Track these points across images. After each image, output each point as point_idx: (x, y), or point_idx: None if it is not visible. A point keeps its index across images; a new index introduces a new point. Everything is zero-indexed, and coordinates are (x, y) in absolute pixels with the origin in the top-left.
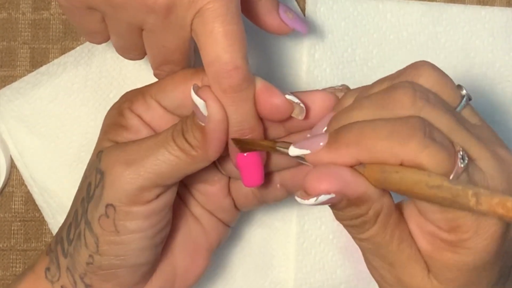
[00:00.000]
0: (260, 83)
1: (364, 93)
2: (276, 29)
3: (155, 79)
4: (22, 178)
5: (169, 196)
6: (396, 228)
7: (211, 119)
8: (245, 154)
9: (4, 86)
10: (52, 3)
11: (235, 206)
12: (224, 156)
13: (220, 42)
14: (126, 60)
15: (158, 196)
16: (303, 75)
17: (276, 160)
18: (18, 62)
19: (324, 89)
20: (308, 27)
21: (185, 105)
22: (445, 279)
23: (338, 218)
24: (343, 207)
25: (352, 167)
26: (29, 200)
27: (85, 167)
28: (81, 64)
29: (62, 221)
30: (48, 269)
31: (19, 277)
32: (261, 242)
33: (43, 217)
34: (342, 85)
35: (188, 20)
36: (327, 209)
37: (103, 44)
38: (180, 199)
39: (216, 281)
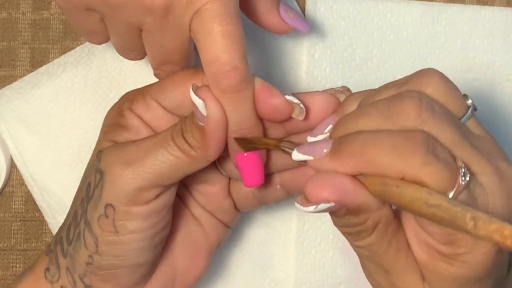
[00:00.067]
0: (259, 84)
1: (370, 99)
2: (277, 28)
3: (155, 79)
4: (22, 178)
5: (168, 197)
6: (393, 237)
7: (210, 119)
8: (245, 154)
9: (4, 86)
10: (52, 3)
11: (235, 207)
12: (224, 156)
13: (218, 42)
14: (126, 60)
15: (157, 196)
16: (303, 74)
17: (276, 161)
18: (18, 62)
19: (324, 90)
20: (309, 26)
21: (185, 105)
22: None
23: (336, 224)
24: (342, 215)
25: (353, 175)
26: (29, 200)
27: (85, 167)
28: (81, 64)
29: (62, 221)
30: (47, 269)
31: (18, 277)
32: (261, 241)
33: (43, 217)
34: (343, 86)
35: (186, 20)
36: None
37: (103, 44)
38: (180, 200)
39: (216, 281)
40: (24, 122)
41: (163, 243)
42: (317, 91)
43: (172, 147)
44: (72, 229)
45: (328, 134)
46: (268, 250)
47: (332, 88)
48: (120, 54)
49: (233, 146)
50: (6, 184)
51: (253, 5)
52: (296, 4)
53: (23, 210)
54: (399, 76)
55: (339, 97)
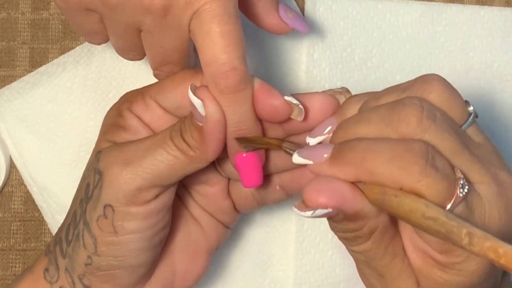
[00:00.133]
0: (258, 84)
1: (371, 103)
2: (276, 28)
3: (155, 79)
4: (21, 178)
5: (167, 197)
6: (390, 244)
7: (209, 119)
8: (244, 155)
9: (4, 86)
10: (52, 3)
11: (235, 208)
12: (223, 157)
13: (217, 43)
14: (126, 60)
15: (156, 196)
16: (302, 74)
17: (276, 162)
18: (18, 62)
19: (323, 91)
20: (308, 27)
21: (185, 106)
22: None
23: (333, 229)
24: (339, 220)
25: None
26: (28, 200)
27: (84, 167)
28: (80, 64)
29: (61, 220)
30: (47, 270)
31: (18, 277)
32: (261, 241)
33: (42, 217)
34: (342, 87)
35: (185, 20)
36: None
37: (103, 44)
38: (179, 200)
39: (216, 281)
40: (23, 122)
41: (163, 244)
42: (316, 92)
43: (170, 147)
44: (71, 230)
45: (327, 135)
46: (268, 250)
47: (331, 89)
48: (120, 55)
49: (232, 147)
50: (5, 184)
51: (252, 5)
52: (295, 4)
53: (23, 210)
54: (398, 76)
55: (339, 98)
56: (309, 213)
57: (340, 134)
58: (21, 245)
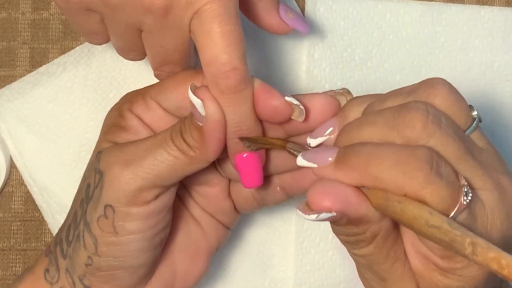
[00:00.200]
0: (258, 84)
1: (376, 106)
2: (276, 28)
3: (155, 80)
4: (21, 178)
5: (168, 197)
6: (391, 248)
7: (209, 119)
8: (244, 155)
9: (4, 86)
10: (52, 3)
11: (235, 209)
12: (224, 158)
13: (217, 43)
14: (126, 60)
15: (157, 196)
16: (302, 74)
17: (276, 163)
18: (18, 62)
19: (324, 92)
20: (309, 27)
21: (185, 106)
22: None
23: (335, 232)
24: (342, 224)
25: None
26: (28, 200)
27: (85, 167)
28: (81, 64)
29: (61, 220)
30: (47, 270)
31: (18, 278)
32: (261, 241)
33: (42, 217)
34: (343, 88)
35: (186, 21)
36: None
37: (103, 44)
38: (180, 201)
39: (216, 281)
40: (24, 122)
41: (163, 244)
42: (317, 93)
43: (171, 148)
44: (72, 230)
45: (328, 136)
46: (268, 251)
47: (332, 90)
48: (120, 55)
49: (232, 147)
50: (5, 184)
51: (253, 5)
52: (295, 4)
53: (23, 210)
54: (398, 76)
55: (339, 99)
56: (313, 216)
57: (344, 137)
58: (21, 245)
